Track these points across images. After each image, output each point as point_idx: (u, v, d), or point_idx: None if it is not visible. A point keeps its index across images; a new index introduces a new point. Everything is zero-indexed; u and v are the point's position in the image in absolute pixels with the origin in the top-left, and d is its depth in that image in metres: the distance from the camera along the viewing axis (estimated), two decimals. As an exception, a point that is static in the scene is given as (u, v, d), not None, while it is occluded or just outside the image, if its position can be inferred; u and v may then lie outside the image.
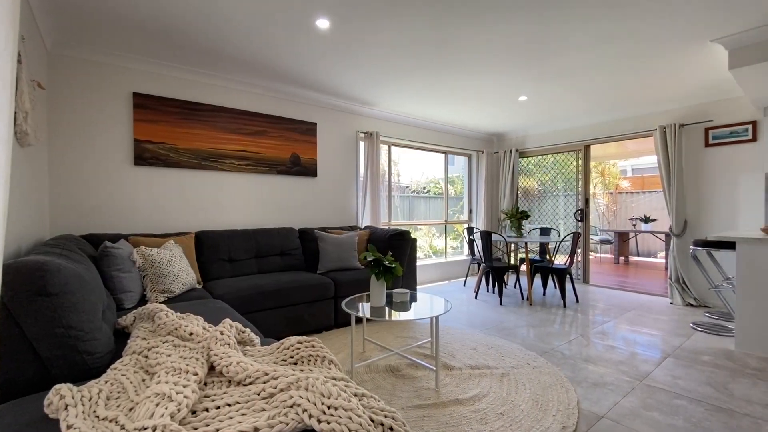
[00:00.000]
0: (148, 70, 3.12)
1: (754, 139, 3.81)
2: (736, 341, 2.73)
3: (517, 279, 4.69)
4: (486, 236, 4.20)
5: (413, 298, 2.54)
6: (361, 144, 4.54)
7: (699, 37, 2.70)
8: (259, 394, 1.02)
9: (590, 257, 8.08)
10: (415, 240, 3.74)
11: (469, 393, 2.05)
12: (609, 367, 2.44)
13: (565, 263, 4.23)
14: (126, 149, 3.02)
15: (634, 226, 7.58)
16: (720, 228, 4.06)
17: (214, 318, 1.94)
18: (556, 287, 4.89)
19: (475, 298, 4.38)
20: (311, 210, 4.11)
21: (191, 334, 1.47)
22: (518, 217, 4.52)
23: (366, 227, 4.20)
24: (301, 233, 3.74)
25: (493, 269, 4.22)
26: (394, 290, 2.46)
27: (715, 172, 4.07)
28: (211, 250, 3.11)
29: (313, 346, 1.27)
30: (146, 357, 1.31)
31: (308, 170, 4.03)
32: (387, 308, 2.29)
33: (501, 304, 4.10)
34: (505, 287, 4.93)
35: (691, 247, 3.36)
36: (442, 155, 5.82)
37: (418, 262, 5.34)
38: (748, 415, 1.86)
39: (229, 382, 1.16)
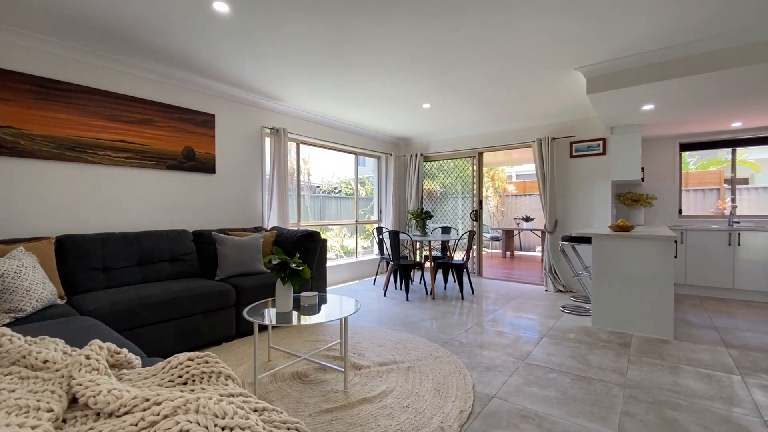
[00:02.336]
0: (-15, 33, 2.48)
1: (604, 153, 4.67)
2: (593, 319, 3.31)
3: (422, 275, 4.97)
4: (394, 236, 4.35)
5: (322, 301, 2.49)
6: (267, 140, 4.31)
7: (565, 65, 3.20)
8: (137, 425, 0.88)
9: (483, 253, 8.98)
10: (325, 241, 3.69)
11: (377, 390, 2.09)
12: (498, 350, 2.74)
13: (463, 259, 4.62)
14: (-51, 132, 2.36)
15: (518, 224, 8.67)
16: (581, 226, 4.88)
17: (80, 339, 1.62)
18: (455, 281, 5.30)
19: (384, 295, 4.50)
20: (209, 210, 3.74)
21: (45, 361, 1.20)
22: (422, 217, 4.78)
23: (273, 228, 3.99)
24: (196, 236, 3.39)
25: (400, 267, 4.39)
26: (302, 294, 2.38)
27: (578, 180, 4.88)
28: (79, 257, 2.62)
29: (206, 362, 1.15)
30: (-25, 398, 1.03)
31: (205, 166, 3.66)
32: (294, 313, 2.21)
33: (408, 299, 4.29)
34: (412, 283, 5.18)
35: (560, 242, 3.97)
36: (353, 156, 5.85)
37: (330, 263, 5.28)
38: (601, 380, 2.26)
39: (98, 414, 0.98)
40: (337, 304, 2.39)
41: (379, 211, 6.36)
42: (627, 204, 5.20)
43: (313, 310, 2.27)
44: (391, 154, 6.20)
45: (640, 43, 2.82)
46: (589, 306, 3.95)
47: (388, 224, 6.18)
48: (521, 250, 9.72)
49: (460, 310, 3.89)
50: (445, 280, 4.99)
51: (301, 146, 4.89)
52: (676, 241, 2.92)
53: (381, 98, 4.16)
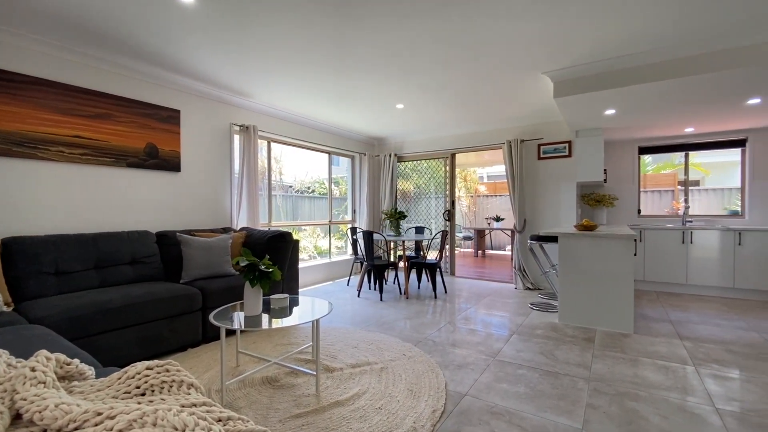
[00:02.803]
0: None
1: (569, 155, 4.86)
2: (559, 316, 3.42)
3: (396, 275, 4.98)
4: (368, 236, 4.33)
5: (294, 303, 2.43)
6: (237, 138, 4.18)
7: (533, 68, 3.29)
8: (87, 442, 0.82)
9: (456, 252, 9.12)
10: (297, 241, 3.61)
11: (349, 392, 2.06)
12: (470, 348, 2.78)
13: (436, 258, 4.66)
14: None
15: (489, 224, 8.87)
16: (549, 225, 5.04)
17: (27, 349, 1.50)
18: (429, 280, 5.35)
19: (358, 296, 4.48)
20: (174, 210, 3.58)
21: (-16, 376, 1.10)
22: (396, 217, 4.79)
23: (242, 229, 3.87)
24: (160, 237, 3.23)
25: (374, 267, 4.38)
26: (272, 296, 2.32)
27: (545, 181, 5.05)
28: (27, 260, 2.43)
29: (167, 371, 1.09)
30: None
31: (169, 164, 3.50)
32: (264, 316, 2.14)
33: (381, 299, 4.28)
34: (386, 283, 5.18)
35: (529, 241, 4.09)
36: (326, 155, 5.79)
37: (303, 264, 5.19)
38: (568, 374, 2.34)
39: (45, 431, 0.90)
40: (309, 307, 2.34)
41: (353, 211, 6.32)
42: (591, 204, 5.43)
43: (284, 312, 2.21)
44: (365, 154, 6.18)
45: (603, 50, 2.94)
46: (556, 303, 4.09)
47: (362, 224, 6.15)
48: (492, 249, 9.95)
49: (433, 309, 3.92)
50: (419, 279, 5.02)
51: (273, 145, 4.78)
52: (635, 240, 3.07)
53: (355, 97, 4.13)
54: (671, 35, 2.69)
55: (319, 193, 7.87)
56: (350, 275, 5.39)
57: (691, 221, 5.08)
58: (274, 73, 3.43)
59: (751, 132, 4.76)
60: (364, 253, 4.49)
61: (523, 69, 3.30)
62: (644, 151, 5.49)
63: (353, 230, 5.19)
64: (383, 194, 6.28)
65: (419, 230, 5.58)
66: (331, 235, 5.99)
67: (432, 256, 6.26)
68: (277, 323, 2.04)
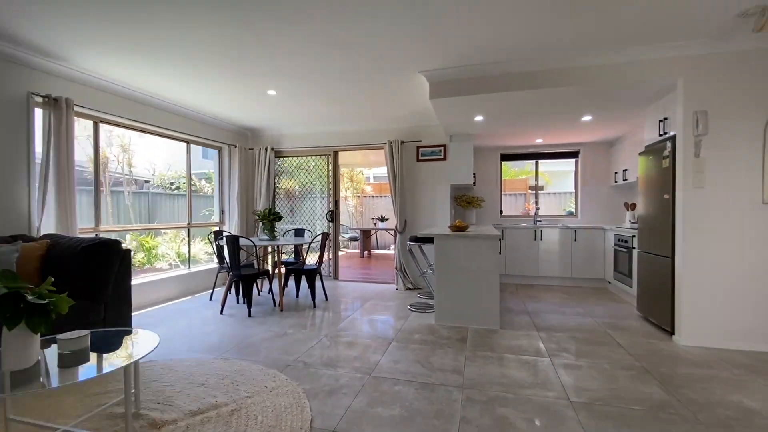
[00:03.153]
0: None
1: (444, 158, 5.04)
2: (436, 316, 3.42)
3: (271, 284, 4.44)
4: (233, 241, 3.70)
5: (104, 339, 1.77)
6: (38, 112, 3.08)
7: (409, 67, 3.20)
8: None
9: (342, 253, 8.90)
10: (127, 252, 2.80)
11: (180, 457, 1.54)
12: (345, 366, 2.49)
13: (316, 264, 4.29)
14: None
15: (375, 224, 8.90)
16: (427, 226, 5.16)
17: None
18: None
19: (221, 312, 3.80)
20: None
21: None
22: (270, 218, 4.26)
23: (45, 237, 2.85)
24: None
25: (241, 278, 3.77)
26: (60, 336, 1.62)
27: (423, 182, 5.15)
28: None
29: None
30: None
31: None
32: (45, 368, 1.46)
33: (250, 315, 3.71)
34: (259, 294, 4.58)
35: (408, 242, 4.05)
36: (185, 144, 4.85)
37: (154, 277, 4.22)
38: (443, 384, 2.23)
39: None
40: (128, 342, 1.72)
41: (222, 212, 5.48)
42: (462, 205, 5.78)
43: (79, 358, 1.55)
44: (235, 146, 5.42)
45: (473, 55, 3.00)
46: (433, 302, 4.14)
47: (233, 227, 5.38)
48: (378, 248, 10.05)
49: (311, 321, 3.54)
50: (298, 287, 4.58)
51: (106, 127, 3.73)
52: (500, 239, 3.25)
53: (213, 77, 3.47)
54: (526, 48, 2.87)
55: (185, 190, 6.70)
56: (213, 288, 4.61)
57: (540, 221, 5.83)
58: (99, 31, 2.58)
59: (582, 145, 5.69)
60: (229, 262, 3.83)
61: (400, 67, 3.17)
62: (505, 157, 6.10)
63: (216, 234, 4.44)
64: (258, 193, 5.61)
65: (299, 233, 5.13)
66: (192, 239, 5.07)
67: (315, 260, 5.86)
68: (72, 376, 1.40)
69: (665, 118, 3.28)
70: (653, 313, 3.33)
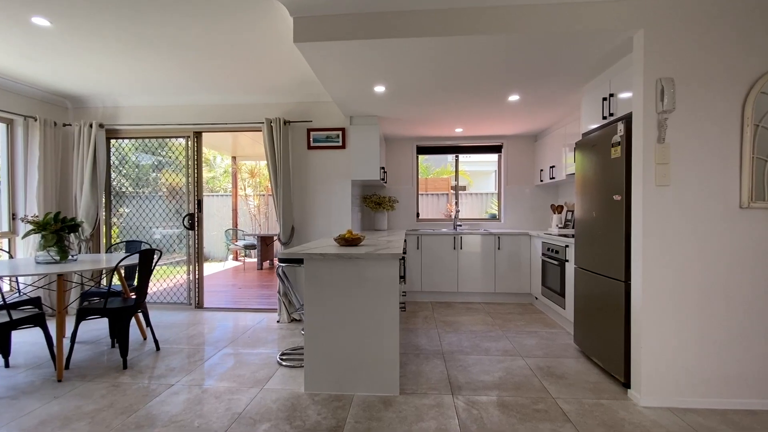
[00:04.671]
0: None
1: (343, 146, 3.88)
2: (305, 382, 2.21)
3: (48, 336, 2.84)
4: (-52, 271, 2.08)
5: None
6: None
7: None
8: None
9: (238, 264, 7.30)
10: None
11: None
12: None
13: (126, 297, 2.82)
14: None
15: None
16: (323, 234, 3.95)
17: None
18: (149, 328, 3.41)
19: (-66, 395, 2.16)
20: None
21: None
22: (56, 229, 2.67)
23: None
24: None
25: (-28, 333, 2.17)
26: None
27: (317, 177, 3.93)
28: None
29: None
30: None
31: None
32: None
33: (-14, 398, 2.14)
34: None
35: (278, 263, 2.79)
36: None
37: None
38: None
39: None
40: None
41: (13, 217, 3.67)
42: (372, 207, 4.70)
43: None
44: (35, 119, 3.65)
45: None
46: (318, 345, 2.94)
47: (30, 240, 3.60)
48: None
49: (100, 401, 2.10)
50: (114, 333, 3.03)
51: None
52: (402, 259, 2.19)
53: None
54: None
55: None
56: (-37, 340, 2.86)
57: (461, 225, 4.99)
58: None
59: (506, 138, 4.96)
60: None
61: (240, -22, 1.92)
62: (422, 150, 5.16)
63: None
64: (77, 189, 3.89)
65: (132, 246, 3.57)
66: (-56, 261, 3.21)
67: (165, 285, 4.28)
68: None
69: (611, 95, 2.49)
70: (598, 352, 2.53)
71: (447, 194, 7.41)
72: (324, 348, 2.20)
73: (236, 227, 8.39)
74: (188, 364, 2.63)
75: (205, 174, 11.17)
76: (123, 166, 4.30)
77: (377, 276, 2.17)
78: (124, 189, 4.33)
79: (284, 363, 2.63)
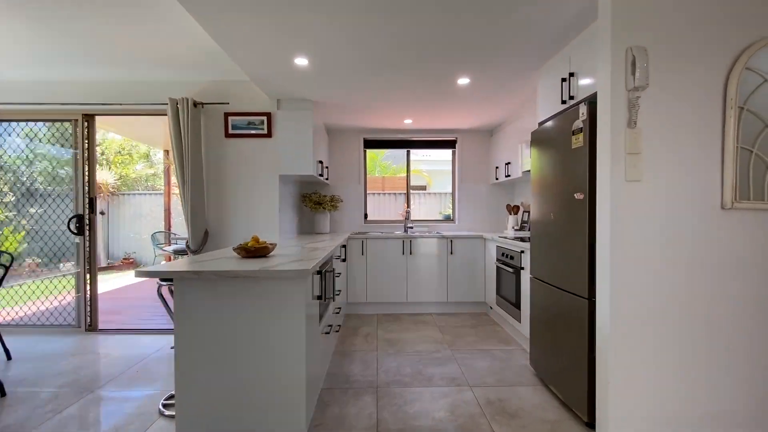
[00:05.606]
0: None
1: (269, 134, 3.27)
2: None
3: None
4: None
5: None
6: None
7: None
8: None
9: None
10: None
11: None
12: None
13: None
14: None
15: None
16: (246, 239, 3.32)
17: None
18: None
19: None
20: None
21: None
22: None
23: None
24: None
25: None
26: None
27: (238, 170, 3.30)
28: None
29: None
30: None
31: None
32: None
33: None
34: None
35: (157, 281, 2.16)
36: None
37: None
38: None
39: None
40: None
41: None
42: (311, 207, 4.12)
43: None
44: None
45: None
46: (223, 380, 2.33)
47: None
48: (225, 262, 7.77)
49: None
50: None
51: None
52: (320, 273, 1.68)
53: None
54: None
55: None
56: None
57: (412, 227, 4.53)
58: None
59: (460, 133, 4.56)
60: None
61: None
62: (369, 144, 4.65)
63: None
64: None
65: (-14, 258, 2.77)
66: None
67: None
68: None
69: (571, 74, 2.10)
70: (557, 380, 2.13)
71: (404, 193, 6.95)
72: (203, 396, 1.62)
73: (169, 230, 7.47)
74: (28, 420, 1.93)
75: (146, 170, 10.06)
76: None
77: (279, 298, 1.62)
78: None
79: (167, 412, 2.00)
